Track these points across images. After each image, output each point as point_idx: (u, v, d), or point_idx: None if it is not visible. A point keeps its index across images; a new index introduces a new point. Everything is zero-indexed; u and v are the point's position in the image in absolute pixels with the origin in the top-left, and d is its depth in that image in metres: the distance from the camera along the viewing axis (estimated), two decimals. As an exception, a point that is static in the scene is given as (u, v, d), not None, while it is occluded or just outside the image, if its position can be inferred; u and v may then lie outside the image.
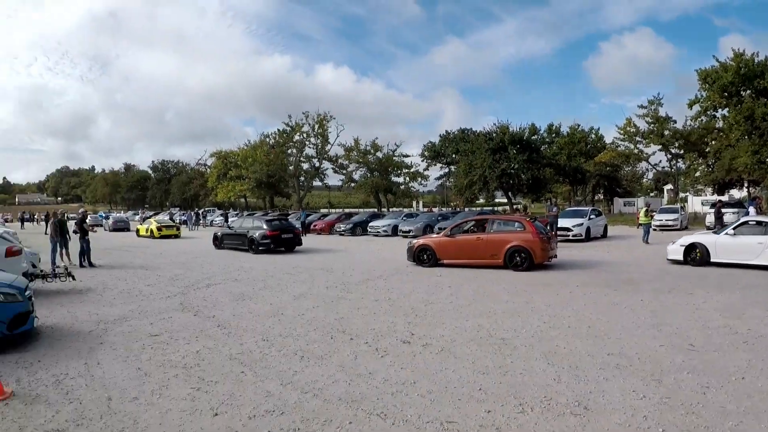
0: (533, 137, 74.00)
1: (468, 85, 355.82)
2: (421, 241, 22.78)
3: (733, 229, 20.71)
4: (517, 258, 19.99)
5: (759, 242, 19.49)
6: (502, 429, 6.12)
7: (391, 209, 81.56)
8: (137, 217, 74.83)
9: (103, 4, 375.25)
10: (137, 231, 51.46)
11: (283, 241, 30.46)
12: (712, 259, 20.32)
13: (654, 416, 6.50)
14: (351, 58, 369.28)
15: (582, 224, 32.98)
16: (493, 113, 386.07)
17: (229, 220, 53.78)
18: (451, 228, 22.80)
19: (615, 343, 9.63)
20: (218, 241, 33.56)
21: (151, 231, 47.31)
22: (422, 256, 21.91)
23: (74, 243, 24.46)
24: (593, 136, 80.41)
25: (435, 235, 24.75)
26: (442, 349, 9.28)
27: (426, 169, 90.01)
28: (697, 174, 59.19)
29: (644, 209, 33.48)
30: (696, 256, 20.62)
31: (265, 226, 30.45)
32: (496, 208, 76.80)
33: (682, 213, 43.42)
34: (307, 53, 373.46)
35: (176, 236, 47.54)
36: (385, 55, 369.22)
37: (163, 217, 68.94)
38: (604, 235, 36.19)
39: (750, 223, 20.89)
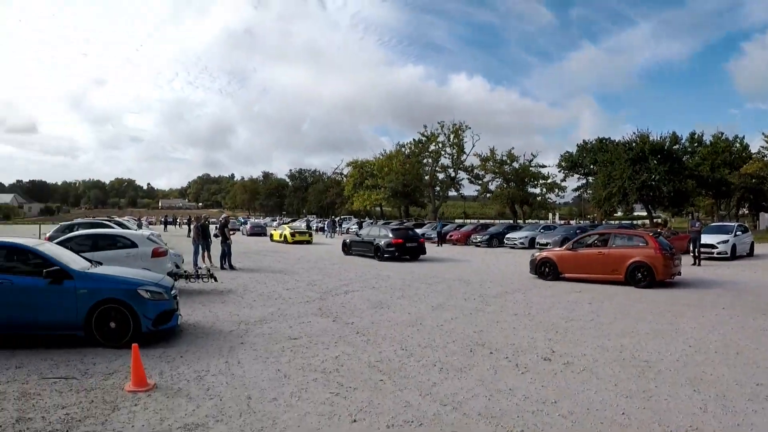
0: (674, 147, 70.41)
1: (604, 91, 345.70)
2: (543, 253, 22.66)
3: None
4: (638, 274, 19.45)
5: None
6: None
7: (526, 221, 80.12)
8: (275, 223, 76.79)
9: (239, 22, 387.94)
10: (271, 236, 53.21)
11: (407, 249, 31.19)
12: None
13: None
14: (484, 67, 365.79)
15: (727, 241, 31.09)
16: (630, 121, 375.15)
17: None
18: (573, 242, 22.53)
19: (765, 372, 8.99)
20: (347, 248, 35.06)
21: (285, 236, 48.79)
22: (543, 269, 21.79)
23: (215, 246, 25.32)
24: (738, 145, 75.58)
25: (557, 249, 24.40)
26: (583, 368, 8.98)
27: (563, 180, 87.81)
28: None
29: None
30: None
31: (390, 235, 31.49)
32: (634, 222, 73.99)
33: None
34: (439, 63, 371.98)
35: (308, 242, 48.59)
36: (519, 62, 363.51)
37: (300, 224, 70.58)
38: (751, 254, 33.82)
39: None
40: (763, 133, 63.84)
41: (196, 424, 6.38)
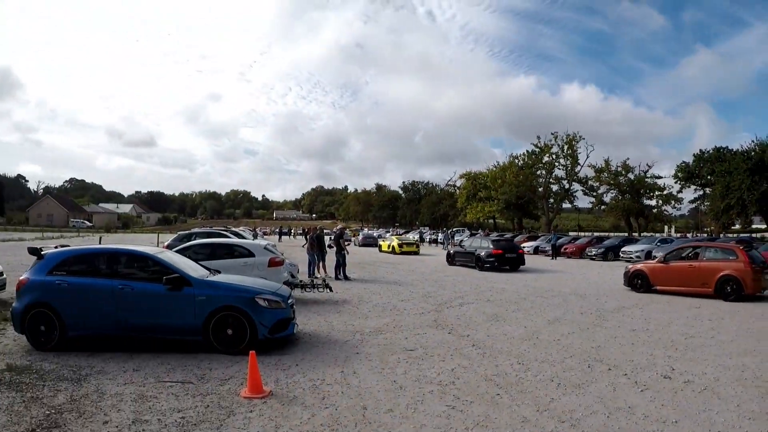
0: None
1: (720, 98, 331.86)
2: (637, 266, 22.63)
3: None
4: (727, 287, 19.24)
5: None
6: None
7: (642, 234, 77.71)
8: (388, 234, 77.32)
9: (350, 36, 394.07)
10: (379, 247, 53.86)
11: (506, 259, 32.01)
12: None
13: None
14: (596, 76, 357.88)
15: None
16: (748, 129, 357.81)
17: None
18: (666, 254, 22.25)
19: None
20: (451, 258, 36.21)
21: (393, 247, 49.46)
22: (636, 281, 21.79)
23: (330, 256, 25.62)
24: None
25: (650, 262, 23.82)
26: (704, 388, 8.65)
27: (679, 191, 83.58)
28: None
29: None
30: None
31: (491, 246, 32.45)
32: (754, 235, 70.56)
33: None
34: (551, 73, 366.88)
35: (416, 253, 48.88)
36: (632, 70, 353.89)
37: (413, 235, 70.79)
38: None
39: None
40: None
41: (312, 434, 6.40)
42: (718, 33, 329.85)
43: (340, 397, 7.76)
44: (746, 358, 10.68)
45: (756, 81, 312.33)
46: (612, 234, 76.61)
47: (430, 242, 72.91)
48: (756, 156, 62.08)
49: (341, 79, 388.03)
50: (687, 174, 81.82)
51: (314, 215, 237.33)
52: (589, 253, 45.29)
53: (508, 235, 57.95)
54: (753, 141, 66.14)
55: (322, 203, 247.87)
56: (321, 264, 25.60)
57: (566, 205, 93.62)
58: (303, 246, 39.32)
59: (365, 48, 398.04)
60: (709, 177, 76.02)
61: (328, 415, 7.05)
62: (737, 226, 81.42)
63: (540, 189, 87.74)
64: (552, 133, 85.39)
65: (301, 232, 79.11)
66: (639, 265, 22.61)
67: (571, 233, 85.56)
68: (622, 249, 43.26)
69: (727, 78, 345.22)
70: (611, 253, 43.71)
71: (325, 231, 39.20)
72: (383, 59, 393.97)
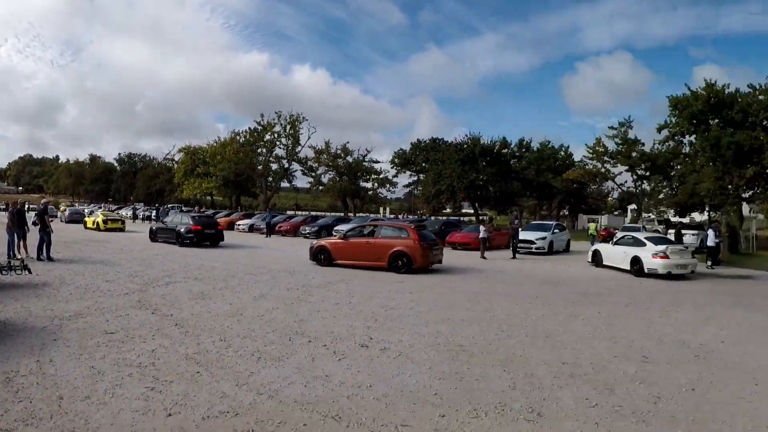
0: (503, 150, 73.67)
1: (445, 95, 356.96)
2: (321, 242, 24.28)
3: (615, 242, 26.77)
4: (399, 262, 21.63)
5: (624, 251, 24.66)
6: (458, 435, 6.16)
7: (357, 214, 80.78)
8: (99, 210, 73.75)
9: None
10: (85, 223, 50.67)
11: (206, 235, 32.76)
12: (604, 262, 26.46)
13: (605, 424, 6.66)
14: (330, 61, 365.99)
15: (545, 238, 33.52)
16: (467, 125, 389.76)
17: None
18: (346, 232, 24.41)
19: (570, 353, 9.81)
20: (153, 235, 36.08)
21: (98, 223, 47.35)
22: (320, 256, 23.31)
23: (33, 234, 24.00)
24: (562, 153, 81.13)
25: (332, 238, 25.69)
26: (399, 353, 9.31)
27: (395, 176, 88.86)
28: (661, 196, 61.37)
29: (594, 225, 40.15)
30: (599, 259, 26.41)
31: (190, 222, 33.25)
32: (462, 218, 76.81)
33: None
34: (285, 52, 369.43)
35: (121, 230, 47.32)
36: (365, 60, 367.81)
37: (126, 212, 68.44)
38: (567, 250, 36.73)
39: (626, 237, 26.57)
40: (586, 144, 68.19)
41: (4, 430, 6.01)
42: (451, 36, 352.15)
43: (35, 389, 7.20)
44: (441, 326, 11.65)
45: (479, 84, 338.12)
46: (328, 213, 79.04)
47: (143, 219, 70.54)
48: (468, 149, 68.74)
49: (64, 34, 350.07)
50: (404, 160, 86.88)
51: (21, 188, 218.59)
52: (303, 232, 46.22)
53: (210, 212, 59.96)
54: (466, 135, 73.09)
55: (30, 174, 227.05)
56: (22, 243, 23.75)
57: (285, 184, 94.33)
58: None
59: (95, 2, 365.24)
60: (424, 164, 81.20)
61: (22, 409, 6.52)
62: (448, 210, 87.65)
63: (260, 167, 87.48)
64: (276, 112, 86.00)
65: (3, 207, 72.90)
66: (322, 242, 24.26)
67: (289, 212, 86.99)
68: (335, 228, 44.34)
69: (453, 77, 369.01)
70: (324, 232, 44.53)
71: (31, 206, 36.61)
72: (113, 17, 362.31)
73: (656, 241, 24.94)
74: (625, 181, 71.08)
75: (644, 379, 8.48)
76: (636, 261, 23.92)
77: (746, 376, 9.03)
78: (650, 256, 23.16)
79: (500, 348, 9.96)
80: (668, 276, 22.72)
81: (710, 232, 29.51)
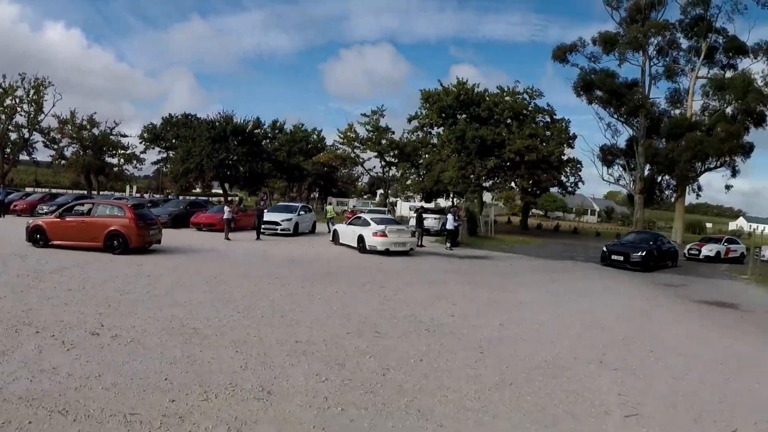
0: (256, 131, 72.97)
1: (205, 70, 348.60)
2: (37, 221, 22.89)
3: (349, 222, 29.04)
4: (115, 242, 20.95)
5: (353, 231, 26.80)
6: (186, 417, 6.22)
7: (101, 192, 76.50)
8: None
9: None
10: None
11: None
12: (341, 241, 28.65)
13: (335, 397, 7.03)
14: (86, 21, 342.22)
15: (290, 219, 33.93)
16: (225, 102, 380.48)
17: None
18: (62, 210, 23.35)
19: (305, 331, 10.20)
20: None
21: None
22: (36, 236, 21.93)
23: None
24: (315, 136, 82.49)
25: (48, 217, 24.67)
26: (131, 340, 9.10)
27: (143, 151, 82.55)
28: (409, 182, 64.03)
29: (331, 207, 43.08)
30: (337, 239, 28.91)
31: None
32: (211, 199, 75.25)
33: (388, 215, 46.96)
34: (39, 6, 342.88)
35: None
36: (123, 23, 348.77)
37: None
38: (313, 231, 37.49)
39: (358, 218, 28.75)
40: (338, 129, 69.98)
41: None
42: (217, 9, 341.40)
43: None
44: (176, 309, 11.48)
45: (241, 61, 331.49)
46: (70, 191, 74.52)
47: None
48: (219, 127, 67.03)
49: None
50: (153, 135, 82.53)
51: None
52: (40, 211, 42.68)
53: None
54: (219, 113, 70.92)
55: None
56: None
57: (25, 157, 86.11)
58: None
59: None
60: (174, 141, 78.31)
61: None
62: (198, 190, 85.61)
63: (-3, 137, 79.50)
64: (20, 74, 77.63)
65: None
66: (39, 221, 22.86)
67: (27, 189, 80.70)
68: (75, 207, 42.26)
69: (214, 52, 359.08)
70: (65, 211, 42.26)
71: None
72: None
73: (379, 221, 27.01)
74: (374, 167, 73.66)
75: (375, 353, 9.07)
76: (361, 239, 25.91)
77: (472, 345, 9.89)
78: (371, 234, 24.69)
79: (235, 329, 10.07)
80: (386, 252, 24.76)
81: (449, 217, 32.36)
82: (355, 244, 26.74)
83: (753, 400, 8.42)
